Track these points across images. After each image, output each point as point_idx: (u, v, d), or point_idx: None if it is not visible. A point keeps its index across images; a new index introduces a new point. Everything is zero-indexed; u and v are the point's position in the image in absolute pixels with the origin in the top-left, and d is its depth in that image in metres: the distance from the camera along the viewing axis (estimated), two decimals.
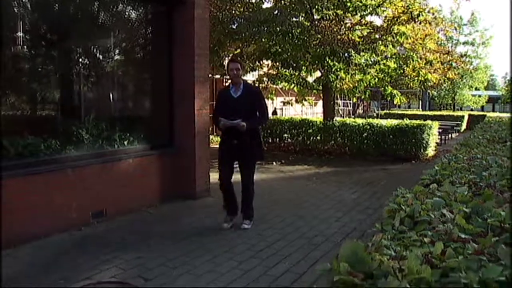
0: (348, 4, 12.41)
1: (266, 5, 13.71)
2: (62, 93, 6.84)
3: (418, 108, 41.99)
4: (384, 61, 13.49)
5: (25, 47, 6.35)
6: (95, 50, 7.28)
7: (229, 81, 6.16)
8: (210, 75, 9.76)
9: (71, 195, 5.92)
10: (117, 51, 7.71)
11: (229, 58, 6.01)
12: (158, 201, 7.16)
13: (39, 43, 6.48)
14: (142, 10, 7.76)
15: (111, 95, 7.50)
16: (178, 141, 7.69)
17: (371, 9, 12.70)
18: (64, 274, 4.43)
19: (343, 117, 24.44)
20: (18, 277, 4.40)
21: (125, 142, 6.97)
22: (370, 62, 13.34)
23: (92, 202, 6.20)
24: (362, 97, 15.16)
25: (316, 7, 12.28)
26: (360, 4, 12.47)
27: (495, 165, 2.92)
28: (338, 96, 25.42)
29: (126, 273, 4.50)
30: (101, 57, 7.42)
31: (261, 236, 5.71)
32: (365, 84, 13.96)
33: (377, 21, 13.93)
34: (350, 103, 34.08)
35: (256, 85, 15.51)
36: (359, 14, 12.90)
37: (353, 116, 28.19)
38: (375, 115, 28.39)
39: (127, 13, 7.70)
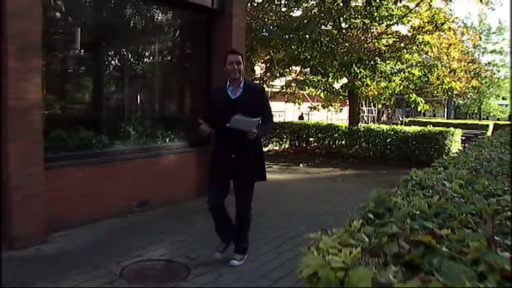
0: (375, 13, 12.90)
1: (296, 13, 14.31)
2: (112, 94, 7.51)
3: (443, 116, 41.97)
4: (409, 69, 13.91)
5: (82, 51, 7.01)
6: (141, 55, 7.93)
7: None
8: None
9: (119, 185, 6.54)
10: (161, 56, 8.35)
11: (229, 51, 4.86)
12: (195, 194, 7.73)
13: (95, 48, 7.13)
14: (185, 19, 8.38)
15: (154, 96, 8.15)
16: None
17: (397, 18, 13.16)
18: (117, 252, 5.02)
19: (368, 124, 24.82)
20: (76, 253, 5.02)
21: (167, 139, 7.60)
22: (395, 70, 13.76)
23: (137, 192, 6.82)
24: (387, 103, 15.59)
25: (344, 16, 12.79)
26: (386, 14, 12.96)
27: (497, 159, 3.40)
28: (363, 103, 25.79)
29: (172, 253, 5.07)
30: (147, 61, 8.07)
31: (296, 231, 6.19)
32: (390, 91, 14.38)
33: (403, 30, 14.39)
34: (374, 109, 34.36)
35: (284, 90, 16.10)
36: (385, 24, 13.38)
37: (377, 123, 28.50)
38: (399, 122, 28.65)
39: (172, 21, 8.33)
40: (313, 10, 13.43)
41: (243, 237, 4.89)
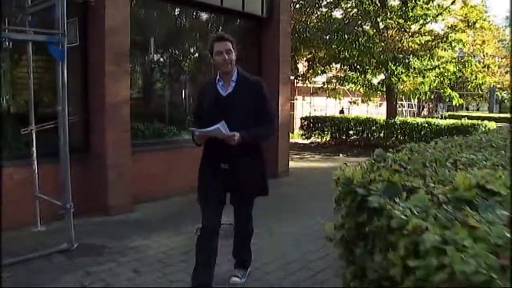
0: (410, 13, 13.73)
1: (337, 13, 15.27)
2: (179, 92, 8.79)
3: (487, 110, 41.78)
4: (444, 64, 14.64)
5: (155, 57, 8.28)
6: (203, 58, 9.14)
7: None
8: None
9: (185, 168, 7.76)
10: None
11: (214, 36, 3.90)
12: None
13: (163, 54, 8.40)
14: (240, 25, 9.57)
15: None
16: None
17: (431, 17, 13.95)
18: (190, 218, 6.19)
19: (407, 117, 25.45)
20: (158, 219, 6.25)
21: None
22: (430, 67, 14.50)
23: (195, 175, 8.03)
24: (423, 98, 16.36)
25: (380, 17, 13.68)
26: (421, 13, 13.77)
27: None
28: (403, 98, 26.40)
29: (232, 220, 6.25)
30: (208, 62, 9.29)
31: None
32: (426, 87, 15.14)
33: (436, 27, 15.13)
34: (415, 104, 34.77)
35: (325, 86, 17.07)
36: (419, 23, 14.19)
37: (418, 117, 29.03)
38: (439, 116, 29.11)
39: (228, 28, 9.52)
40: (352, 12, 14.35)
41: (245, 250, 4.16)
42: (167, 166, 7.43)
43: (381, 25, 14.05)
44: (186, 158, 7.73)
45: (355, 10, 14.32)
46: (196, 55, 9.01)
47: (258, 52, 9.36)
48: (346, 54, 14.09)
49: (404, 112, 31.74)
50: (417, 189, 1.89)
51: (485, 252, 1.27)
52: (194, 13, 8.63)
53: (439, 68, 14.69)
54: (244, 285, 4.05)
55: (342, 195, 2.26)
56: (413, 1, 13.76)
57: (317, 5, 14.19)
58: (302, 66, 17.56)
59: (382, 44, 12.91)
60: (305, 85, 19.27)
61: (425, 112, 38.48)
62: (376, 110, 27.99)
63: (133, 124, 6.98)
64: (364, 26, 14.14)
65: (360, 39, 13.34)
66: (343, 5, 14.99)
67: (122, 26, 6.29)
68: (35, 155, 5.48)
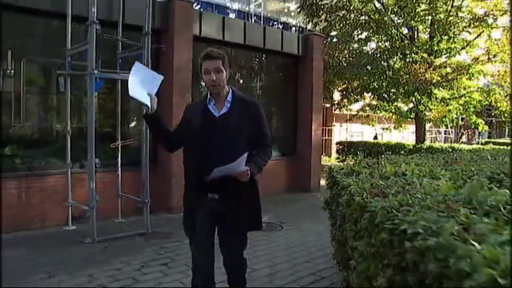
0: (435, 47, 14.97)
1: (368, 47, 16.56)
2: None
3: None
4: (470, 93, 15.62)
5: None
6: (251, 88, 10.77)
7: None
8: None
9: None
10: (262, 89, 11.19)
11: (203, 52, 3.29)
12: (284, 191, 10.36)
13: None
14: (279, 62, 11.22)
15: None
16: (300, 152, 10.94)
17: (455, 51, 15.12)
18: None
19: (442, 143, 26.23)
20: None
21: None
22: (455, 96, 15.53)
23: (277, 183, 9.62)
24: (451, 125, 17.34)
25: (407, 52, 14.96)
26: (446, 47, 14.97)
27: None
28: (440, 125, 27.15)
29: (271, 219, 7.72)
30: (254, 93, 10.94)
31: None
32: (453, 114, 16.16)
33: (460, 58, 16.12)
34: (452, 131, 35.26)
35: (359, 113, 18.30)
36: (443, 57, 15.40)
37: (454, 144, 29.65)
38: (475, 142, 29.70)
39: (270, 64, 11.14)
40: (383, 45, 15.61)
41: (240, 282, 3.49)
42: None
43: (408, 59, 15.21)
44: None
45: (387, 43, 15.52)
46: (244, 86, 10.67)
47: (294, 84, 10.91)
48: (376, 85, 15.38)
49: (438, 138, 32.40)
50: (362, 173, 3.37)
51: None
52: (243, 53, 10.31)
53: (464, 97, 15.65)
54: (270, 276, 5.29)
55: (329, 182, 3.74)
56: (439, 36, 14.92)
57: (349, 41, 15.55)
58: (338, 95, 18.84)
59: (407, 76, 14.09)
60: (341, 112, 20.50)
61: (463, 138, 38.80)
62: (412, 136, 28.76)
63: None
64: (391, 60, 15.35)
65: (387, 72, 14.61)
66: (374, 39, 16.23)
67: (186, 66, 7.99)
68: (120, 163, 7.18)
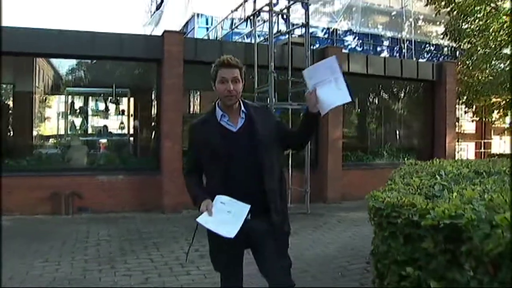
0: None
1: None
2: (373, 132, 12.94)
3: None
4: None
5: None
6: (389, 109, 13.10)
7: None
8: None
9: (374, 182, 11.57)
10: (401, 110, 13.42)
11: (219, 59, 2.78)
12: None
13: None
14: (416, 87, 13.41)
15: (397, 133, 13.29)
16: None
17: None
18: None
19: None
20: (353, 207, 10.22)
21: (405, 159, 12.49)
22: None
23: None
24: None
25: None
26: None
27: None
28: None
29: None
30: (392, 113, 13.24)
31: None
32: None
33: None
34: None
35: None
36: None
37: None
38: None
39: (407, 89, 13.36)
40: None
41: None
42: (363, 180, 11.31)
43: None
44: (376, 175, 11.63)
45: None
46: (386, 106, 13.02)
47: (431, 105, 12.86)
48: None
49: None
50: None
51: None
52: (383, 82, 12.82)
53: None
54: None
55: None
56: None
57: (488, 61, 15.99)
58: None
59: None
60: (499, 125, 20.57)
61: None
62: None
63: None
64: None
65: None
66: None
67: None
68: (290, 165, 10.12)
